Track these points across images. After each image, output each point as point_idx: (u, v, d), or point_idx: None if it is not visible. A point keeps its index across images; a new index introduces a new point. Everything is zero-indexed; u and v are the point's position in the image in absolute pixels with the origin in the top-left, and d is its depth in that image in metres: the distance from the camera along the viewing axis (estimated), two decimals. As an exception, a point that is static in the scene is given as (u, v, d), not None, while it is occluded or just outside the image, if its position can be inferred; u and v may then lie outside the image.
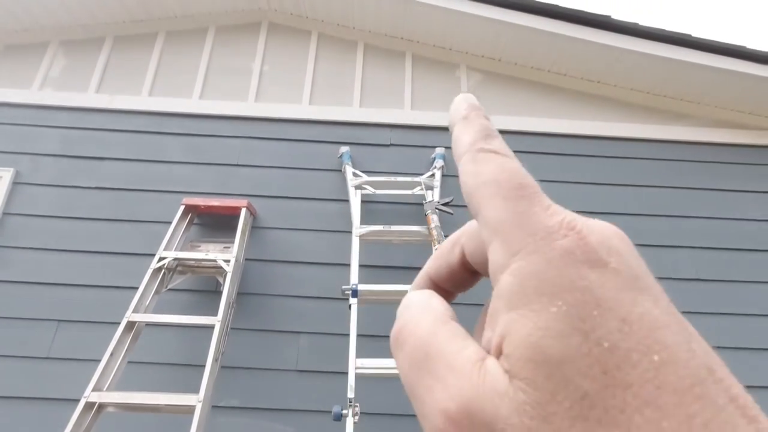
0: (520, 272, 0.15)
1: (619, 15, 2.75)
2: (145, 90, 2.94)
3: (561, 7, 2.72)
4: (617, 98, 3.04)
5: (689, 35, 2.68)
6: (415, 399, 0.17)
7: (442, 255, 0.23)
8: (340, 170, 2.75)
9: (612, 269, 0.15)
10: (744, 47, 2.65)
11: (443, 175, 2.73)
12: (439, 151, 2.77)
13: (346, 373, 2.15)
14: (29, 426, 2.24)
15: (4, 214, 2.61)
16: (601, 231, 0.17)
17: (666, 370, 0.13)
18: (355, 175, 2.61)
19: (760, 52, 2.61)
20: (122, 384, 2.03)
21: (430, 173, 2.66)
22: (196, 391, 1.89)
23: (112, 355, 1.94)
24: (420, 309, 0.19)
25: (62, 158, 2.75)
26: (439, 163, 2.69)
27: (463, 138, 0.21)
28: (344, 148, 2.76)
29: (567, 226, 0.16)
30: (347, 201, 2.63)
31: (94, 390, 1.82)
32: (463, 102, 0.23)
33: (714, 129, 2.94)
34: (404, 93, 3.00)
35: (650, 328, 0.14)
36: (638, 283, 0.15)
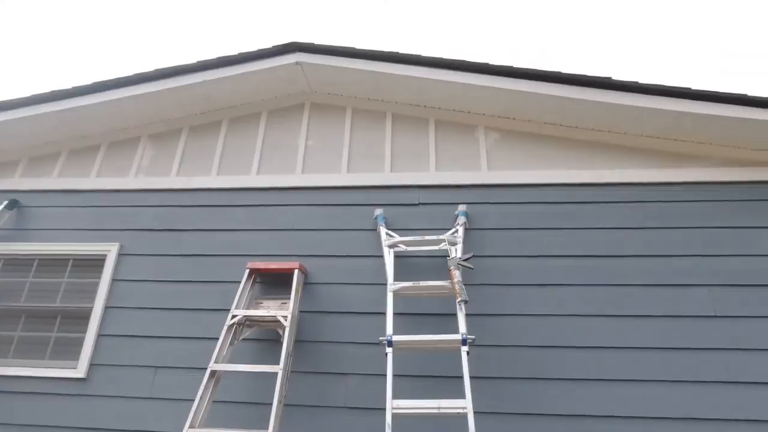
0: None
1: (621, 74, 3.00)
2: (214, 170, 3.57)
3: (562, 73, 3.04)
4: (629, 145, 3.27)
5: (688, 88, 2.89)
6: None
7: None
8: (376, 229, 3.18)
9: None
10: (745, 95, 2.82)
11: (466, 229, 3.09)
12: (462, 208, 3.13)
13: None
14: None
15: (113, 280, 3.28)
16: None
17: None
18: (388, 235, 3.04)
19: (761, 98, 2.77)
20: (209, 420, 2.53)
21: (453, 230, 3.02)
22: (265, 427, 2.35)
23: (200, 398, 2.45)
24: None
25: (154, 232, 3.41)
26: (461, 220, 3.06)
27: None
28: (378, 211, 3.20)
29: None
30: (379, 257, 3.06)
31: (190, 427, 2.33)
32: None
33: (726, 168, 3.09)
34: (429, 156, 3.41)
35: None
36: None
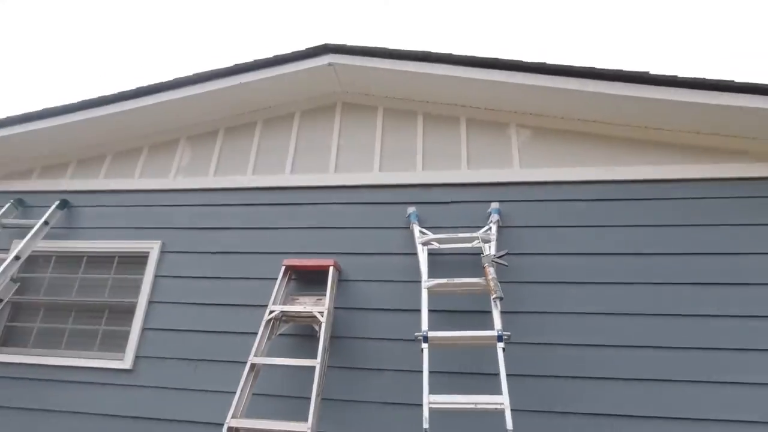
0: None
1: (657, 69, 2.94)
2: (249, 170, 3.67)
3: (596, 68, 2.99)
4: (666, 141, 3.19)
5: (731, 81, 2.80)
6: None
7: None
8: (408, 227, 3.21)
9: None
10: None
11: (499, 227, 3.08)
12: (494, 206, 3.13)
13: (422, 405, 2.57)
14: (182, 443, 2.92)
15: (156, 276, 3.43)
16: None
17: None
18: (421, 233, 3.06)
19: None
20: (249, 412, 2.62)
21: (486, 227, 3.02)
22: (303, 419, 2.42)
23: (241, 390, 2.54)
24: None
25: (193, 230, 3.54)
26: (494, 217, 3.05)
27: None
28: (411, 209, 3.23)
29: None
30: (416, 254, 3.09)
31: (232, 417, 2.42)
32: None
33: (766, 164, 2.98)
34: (461, 154, 3.41)
35: None
36: None
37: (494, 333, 2.43)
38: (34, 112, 3.65)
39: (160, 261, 3.48)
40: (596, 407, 2.60)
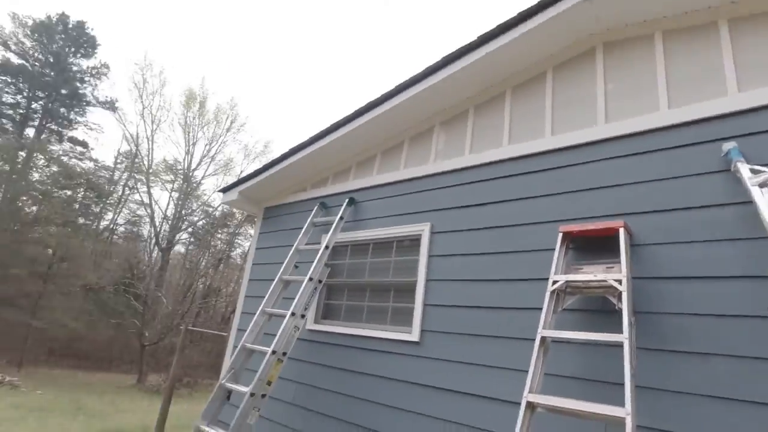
0: None
1: None
2: (504, 141, 3.52)
3: None
4: None
5: None
6: None
7: None
8: (727, 170, 2.42)
9: None
10: None
11: None
12: None
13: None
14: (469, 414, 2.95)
15: (430, 256, 3.64)
16: None
17: None
18: (754, 171, 2.25)
19: None
20: (542, 389, 2.40)
21: None
22: (601, 402, 2.05)
23: (534, 365, 2.35)
24: None
25: (457, 209, 3.62)
26: None
27: None
28: (729, 145, 2.43)
29: None
30: (740, 204, 2.30)
31: (529, 392, 2.25)
32: None
33: None
34: (805, 56, 2.38)
35: None
36: None
37: None
38: (330, 126, 4.47)
39: (431, 242, 3.68)
40: None
